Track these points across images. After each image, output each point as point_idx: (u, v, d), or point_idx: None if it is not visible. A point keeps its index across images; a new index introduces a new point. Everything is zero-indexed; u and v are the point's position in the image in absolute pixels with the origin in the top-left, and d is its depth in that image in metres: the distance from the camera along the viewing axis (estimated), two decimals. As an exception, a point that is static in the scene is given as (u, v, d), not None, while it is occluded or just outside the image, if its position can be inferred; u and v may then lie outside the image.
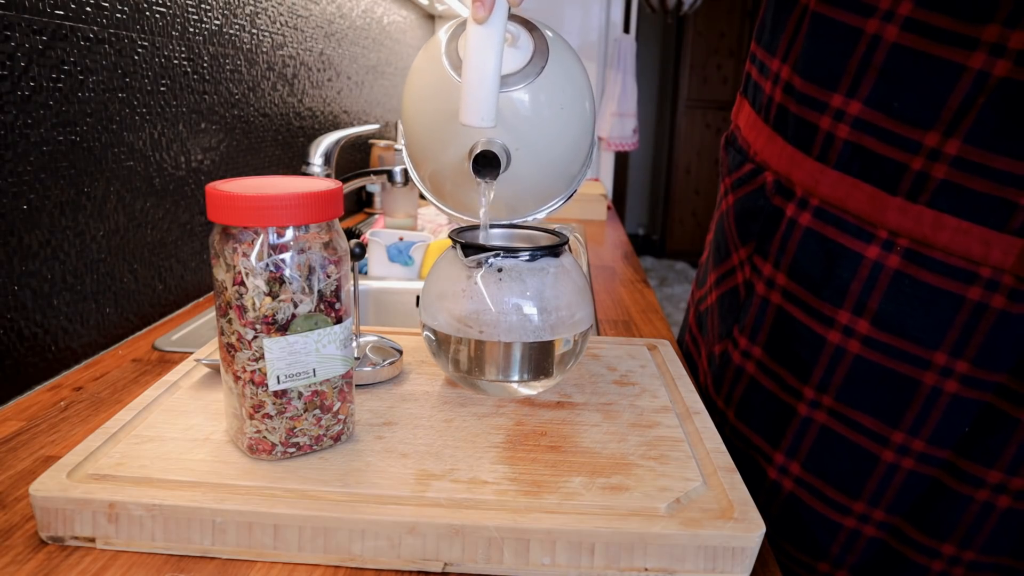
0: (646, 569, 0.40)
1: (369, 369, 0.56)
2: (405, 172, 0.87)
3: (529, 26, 0.51)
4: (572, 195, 0.57)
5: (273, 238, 0.42)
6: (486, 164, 0.50)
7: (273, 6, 1.05)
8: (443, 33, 0.52)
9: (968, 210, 0.44)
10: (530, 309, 0.52)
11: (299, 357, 0.43)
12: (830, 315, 0.50)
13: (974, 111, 0.42)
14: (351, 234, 0.53)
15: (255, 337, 0.42)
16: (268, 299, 0.42)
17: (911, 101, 0.45)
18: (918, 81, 0.44)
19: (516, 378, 0.53)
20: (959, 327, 0.45)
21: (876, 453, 0.50)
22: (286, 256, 0.42)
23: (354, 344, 0.53)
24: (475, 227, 0.59)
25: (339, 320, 0.45)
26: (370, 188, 1.59)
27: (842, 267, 0.49)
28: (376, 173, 0.86)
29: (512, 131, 0.50)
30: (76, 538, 0.41)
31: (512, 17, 0.50)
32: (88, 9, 0.66)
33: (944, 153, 0.44)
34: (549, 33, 0.52)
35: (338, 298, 0.45)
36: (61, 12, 0.62)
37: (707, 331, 0.65)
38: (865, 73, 0.47)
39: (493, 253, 0.52)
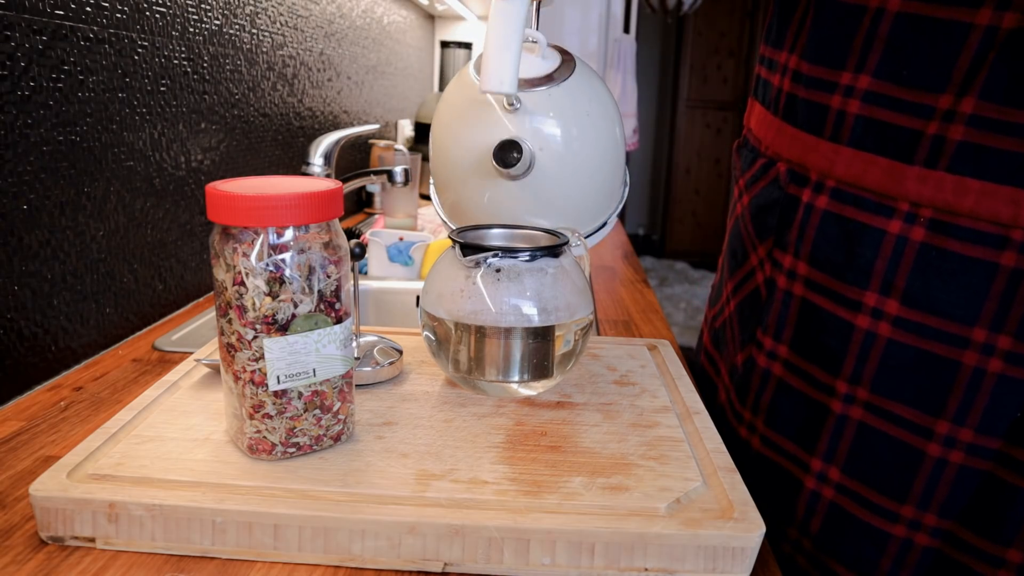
0: (646, 569, 0.40)
1: (369, 369, 0.56)
2: (405, 172, 0.87)
3: (560, 50, 0.52)
4: (603, 227, 0.57)
5: (273, 238, 0.42)
6: (508, 151, 0.49)
7: (273, 6, 1.05)
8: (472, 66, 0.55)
9: (991, 171, 0.42)
10: (529, 309, 0.52)
11: (299, 357, 0.43)
12: (856, 298, 0.48)
13: (985, 67, 0.41)
14: (351, 234, 0.53)
15: (255, 337, 0.42)
16: (268, 299, 0.42)
17: (920, 66, 0.44)
18: (926, 46, 0.43)
19: (516, 378, 0.53)
20: (995, 298, 0.43)
21: (920, 448, 0.46)
22: (286, 256, 0.42)
23: (354, 344, 0.53)
24: (475, 227, 0.59)
25: (339, 320, 0.45)
26: (370, 188, 1.59)
27: (864, 246, 0.47)
28: (376, 173, 0.86)
29: (535, 131, 0.49)
30: (76, 538, 0.41)
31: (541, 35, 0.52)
32: (88, 9, 0.66)
33: (959, 113, 0.42)
34: (580, 63, 0.53)
35: (338, 298, 0.45)
36: (61, 12, 0.62)
37: (726, 345, 0.63)
38: (872, 46, 0.46)
39: (492, 253, 0.52)
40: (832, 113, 0.49)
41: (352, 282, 0.51)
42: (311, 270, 0.43)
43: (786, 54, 0.54)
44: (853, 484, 0.50)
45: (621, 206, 0.55)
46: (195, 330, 0.79)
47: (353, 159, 1.51)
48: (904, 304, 0.46)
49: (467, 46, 2.01)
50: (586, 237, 0.52)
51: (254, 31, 0.99)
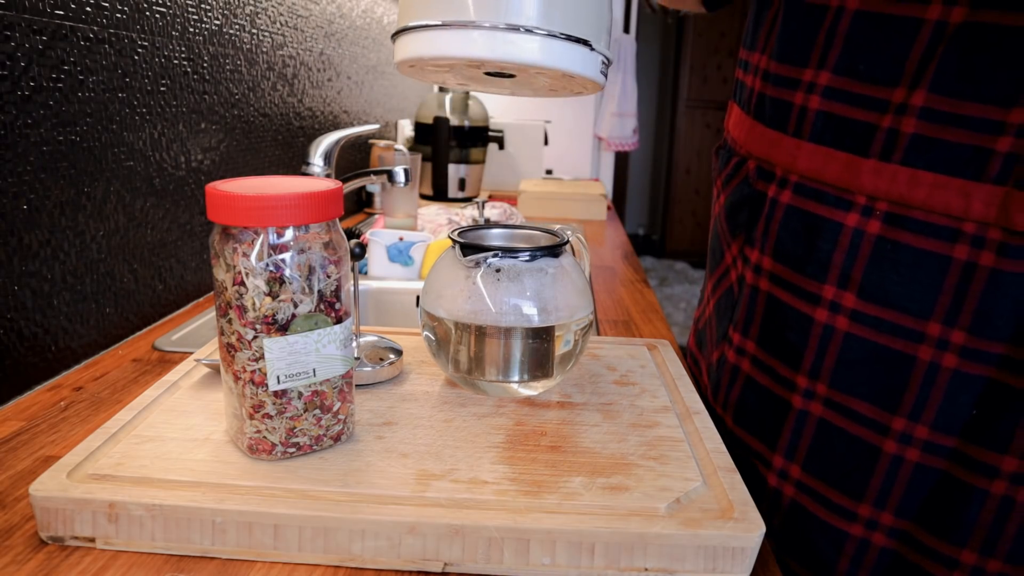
0: (646, 569, 0.40)
1: (369, 369, 0.56)
2: (405, 172, 0.87)
3: None
4: (586, 45, 0.46)
5: (273, 238, 0.42)
6: None
7: (273, 6, 1.05)
8: None
9: (943, 163, 0.43)
10: (529, 309, 0.52)
11: (299, 357, 0.43)
12: (815, 292, 0.49)
13: (935, 60, 0.42)
14: (351, 234, 0.53)
15: (255, 337, 0.42)
16: (268, 299, 0.42)
17: (875, 61, 0.45)
18: (881, 41, 0.45)
19: (516, 378, 0.53)
20: (949, 291, 0.43)
21: (877, 445, 0.47)
22: (286, 256, 0.42)
23: (354, 344, 0.53)
24: (476, 227, 0.59)
25: (339, 320, 0.45)
26: (370, 188, 1.59)
27: (823, 239, 0.48)
28: (376, 173, 0.86)
29: None
30: (76, 538, 0.41)
31: None
32: (88, 9, 0.66)
33: (911, 106, 0.43)
34: None
35: (338, 298, 0.45)
36: (61, 12, 0.62)
37: (706, 344, 0.64)
38: (832, 43, 0.47)
39: (492, 253, 0.52)
40: (795, 109, 0.50)
41: (352, 282, 0.51)
42: (311, 270, 0.43)
43: (758, 55, 0.55)
44: (812, 482, 0.50)
45: (604, 60, 0.49)
46: (195, 330, 0.79)
47: (353, 159, 1.51)
48: (860, 297, 0.47)
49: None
50: (566, 38, 0.45)
51: (254, 31, 0.99)
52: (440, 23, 0.43)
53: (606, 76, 0.48)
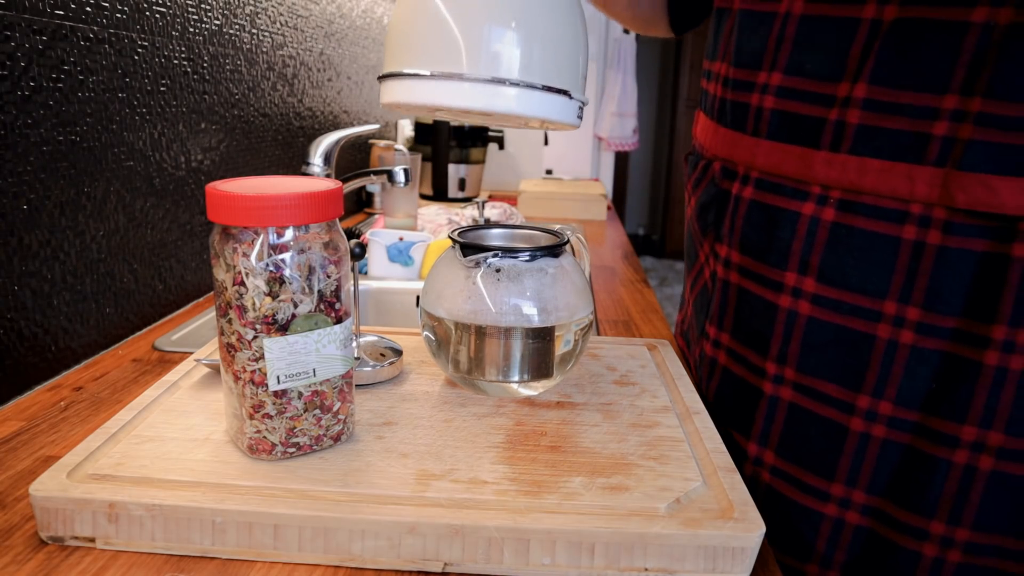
0: (646, 569, 0.40)
1: (369, 369, 0.56)
2: (405, 172, 0.87)
3: None
4: (564, 95, 0.47)
5: (273, 238, 0.42)
6: None
7: (273, 6, 1.05)
8: None
9: (887, 149, 0.46)
10: (529, 309, 0.52)
11: (299, 357, 0.43)
12: (778, 279, 0.52)
13: (873, 55, 0.45)
14: (351, 234, 0.53)
15: (255, 337, 0.42)
16: (268, 299, 0.42)
17: (820, 60, 0.48)
18: (824, 41, 0.48)
19: (516, 378, 0.53)
20: (902, 271, 0.46)
21: (844, 424, 0.49)
22: (286, 256, 0.42)
23: (354, 344, 0.53)
24: (476, 227, 0.59)
25: (339, 320, 0.45)
26: (370, 188, 1.59)
27: (782, 228, 0.51)
28: (376, 173, 0.86)
29: None
30: (76, 538, 0.41)
31: None
32: (88, 9, 0.66)
33: (854, 98, 0.46)
34: None
35: (338, 298, 0.45)
36: (61, 12, 0.62)
37: (690, 343, 0.66)
38: (781, 46, 0.51)
39: (492, 253, 0.52)
40: (752, 110, 0.53)
41: (352, 282, 0.51)
42: (311, 270, 0.43)
43: (718, 63, 0.59)
44: (786, 466, 0.52)
45: (581, 102, 0.50)
46: (195, 330, 0.79)
47: (353, 159, 1.51)
48: (820, 282, 0.49)
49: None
50: (546, 89, 0.46)
51: (254, 31, 0.99)
52: (429, 73, 0.45)
53: (581, 118, 0.51)
